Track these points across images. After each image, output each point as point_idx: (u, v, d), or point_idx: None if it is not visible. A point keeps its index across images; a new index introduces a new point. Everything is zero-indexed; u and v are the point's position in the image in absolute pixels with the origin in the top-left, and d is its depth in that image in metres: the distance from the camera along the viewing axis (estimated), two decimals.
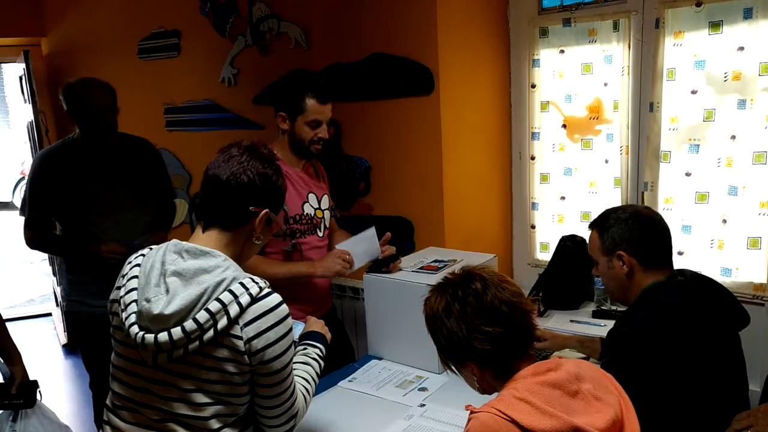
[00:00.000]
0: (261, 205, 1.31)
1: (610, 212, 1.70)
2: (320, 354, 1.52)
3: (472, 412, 1.16)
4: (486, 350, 1.18)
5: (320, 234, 2.20)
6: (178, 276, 1.21)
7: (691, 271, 1.70)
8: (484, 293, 1.20)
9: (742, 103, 2.27)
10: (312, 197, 2.17)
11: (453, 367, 1.27)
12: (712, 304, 1.58)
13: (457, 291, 1.22)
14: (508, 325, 1.19)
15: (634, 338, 1.53)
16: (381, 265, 2.10)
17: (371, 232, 2.09)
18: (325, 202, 2.24)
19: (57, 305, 4.69)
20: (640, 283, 1.63)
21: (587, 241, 1.76)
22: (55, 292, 4.71)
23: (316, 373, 1.47)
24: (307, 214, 2.14)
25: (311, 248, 2.16)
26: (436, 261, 2.18)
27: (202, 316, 1.17)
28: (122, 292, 1.26)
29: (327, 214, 2.24)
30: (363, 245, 2.08)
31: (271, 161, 1.34)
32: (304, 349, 1.50)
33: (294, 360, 1.40)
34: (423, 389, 1.87)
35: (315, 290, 2.21)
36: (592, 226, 1.73)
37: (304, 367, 1.45)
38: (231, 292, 1.20)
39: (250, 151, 1.32)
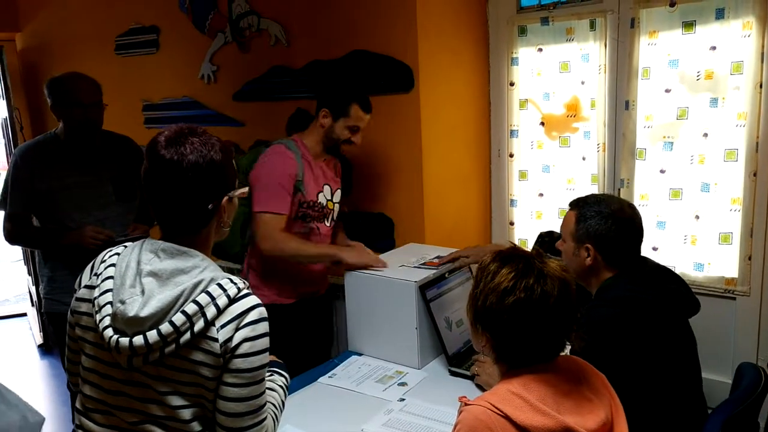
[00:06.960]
0: (218, 196, 1.23)
1: (593, 202, 1.69)
2: (285, 383, 1.46)
3: (465, 404, 1.15)
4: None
5: (327, 224, 2.37)
6: (154, 276, 1.17)
7: (653, 261, 1.75)
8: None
9: (714, 102, 2.32)
10: (327, 188, 2.33)
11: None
12: (668, 295, 1.64)
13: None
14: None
15: (594, 335, 1.52)
16: None
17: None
18: (338, 196, 2.40)
19: (32, 305, 4.61)
20: (599, 276, 1.68)
21: (563, 219, 1.76)
22: (30, 292, 4.64)
23: (282, 401, 1.40)
24: (319, 203, 2.29)
25: (317, 235, 2.32)
26: (417, 260, 2.19)
27: (178, 318, 1.13)
28: (96, 292, 1.21)
29: (337, 207, 2.40)
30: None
31: (206, 136, 1.25)
32: (270, 375, 1.44)
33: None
34: (402, 384, 1.88)
35: (314, 271, 2.37)
36: (573, 205, 1.73)
37: (271, 393, 1.36)
38: (208, 293, 1.16)
39: (178, 142, 1.23)
